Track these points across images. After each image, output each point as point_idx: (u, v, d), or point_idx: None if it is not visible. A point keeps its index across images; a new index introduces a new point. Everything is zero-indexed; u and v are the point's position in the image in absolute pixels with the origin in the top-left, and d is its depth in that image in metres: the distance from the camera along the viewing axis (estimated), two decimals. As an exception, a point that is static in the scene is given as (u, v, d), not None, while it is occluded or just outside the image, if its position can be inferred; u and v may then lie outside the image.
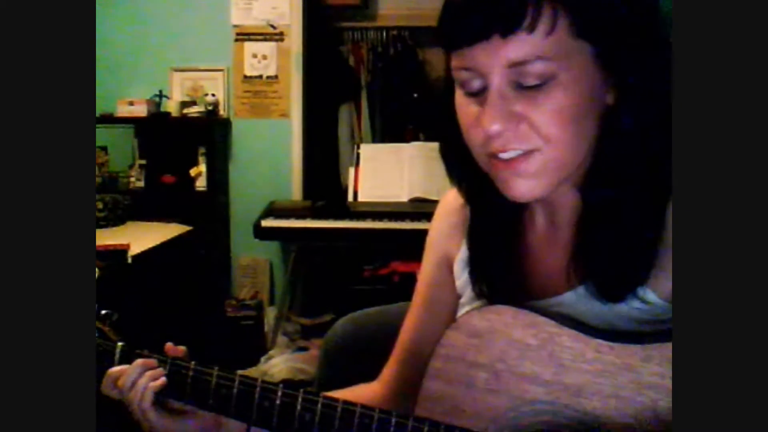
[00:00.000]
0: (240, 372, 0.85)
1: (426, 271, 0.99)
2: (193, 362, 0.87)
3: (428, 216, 1.05)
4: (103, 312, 0.92)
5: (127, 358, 0.87)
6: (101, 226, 2.99)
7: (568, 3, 0.70)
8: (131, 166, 3.51)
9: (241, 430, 0.87)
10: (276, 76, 3.59)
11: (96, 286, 0.77)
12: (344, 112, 4.27)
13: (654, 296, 0.77)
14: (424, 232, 1.00)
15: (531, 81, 0.72)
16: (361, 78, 4.28)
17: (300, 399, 0.82)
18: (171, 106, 3.47)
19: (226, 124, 3.60)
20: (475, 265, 0.89)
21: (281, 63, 3.58)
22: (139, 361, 0.86)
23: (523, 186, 0.76)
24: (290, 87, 3.59)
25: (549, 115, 0.72)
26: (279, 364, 2.95)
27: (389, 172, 3.09)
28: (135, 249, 2.58)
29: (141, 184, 3.47)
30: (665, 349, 0.72)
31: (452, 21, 0.74)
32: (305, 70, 3.62)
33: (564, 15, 0.70)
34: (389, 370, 1.01)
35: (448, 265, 0.96)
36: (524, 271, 0.86)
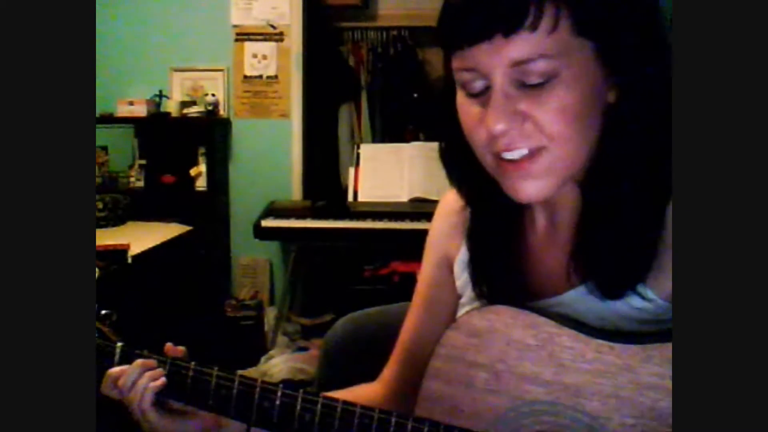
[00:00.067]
0: (240, 372, 0.85)
1: (426, 271, 0.99)
2: (192, 362, 0.86)
3: (428, 216, 1.04)
4: (103, 312, 0.92)
5: (126, 359, 0.87)
6: (101, 226, 2.99)
7: (570, 1, 0.70)
8: (131, 166, 3.52)
9: (241, 430, 0.87)
10: (276, 76, 3.59)
11: (96, 286, 0.77)
12: (344, 112, 4.28)
13: (654, 295, 0.76)
14: (424, 232, 1.00)
15: (534, 79, 0.71)
16: (361, 78, 4.29)
17: (300, 399, 0.82)
18: (171, 106, 3.47)
19: (226, 124, 3.60)
20: (475, 265, 0.89)
21: (281, 63, 3.58)
22: (138, 362, 0.86)
23: (530, 187, 0.76)
24: (290, 87, 3.59)
25: (553, 113, 0.72)
26: (279, 364, 2.95)
27: (389, 172, 3.09)
28: (135, 249, 2.58)
29: (141, 184, 3.47)
30: (665, 350, 0.72)
31: (453, 21, 0.74)
32: (305, 70, 3.62)
33: (566, 13, 0.70)
34: (389, 370, 1.01)
35: (448, 265, 0.96)
36: (524, 272, 0.86)
